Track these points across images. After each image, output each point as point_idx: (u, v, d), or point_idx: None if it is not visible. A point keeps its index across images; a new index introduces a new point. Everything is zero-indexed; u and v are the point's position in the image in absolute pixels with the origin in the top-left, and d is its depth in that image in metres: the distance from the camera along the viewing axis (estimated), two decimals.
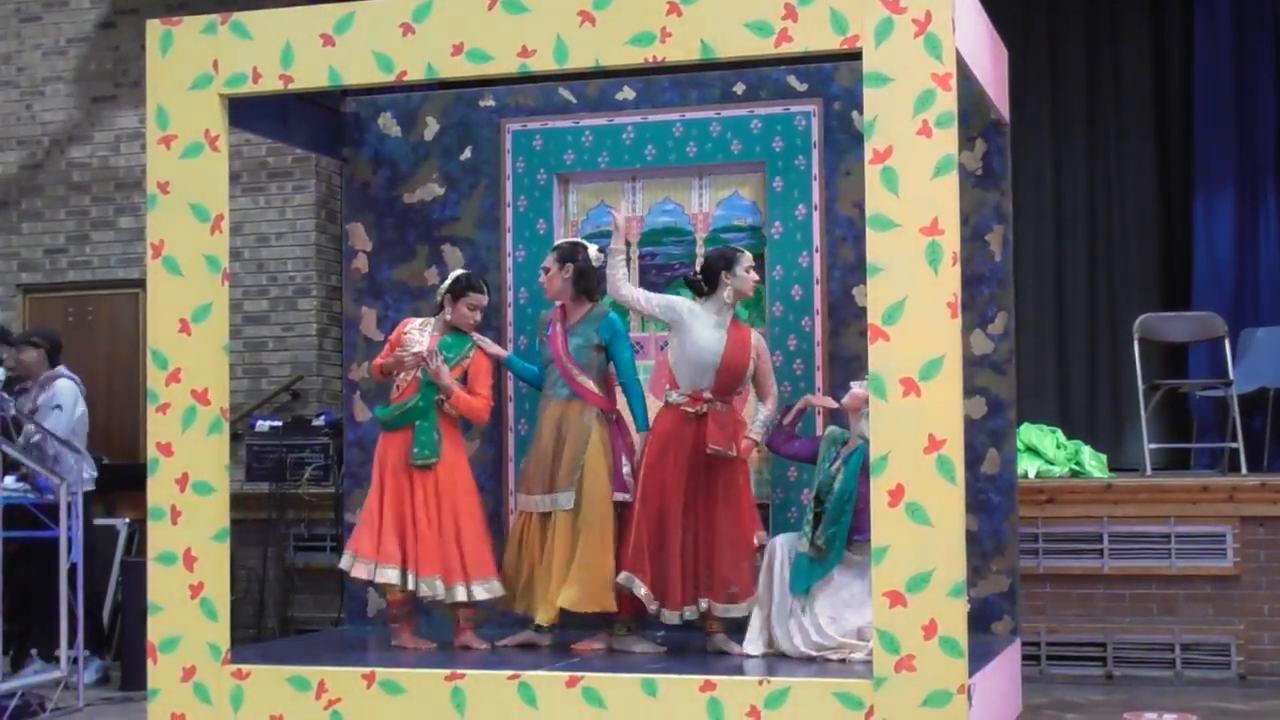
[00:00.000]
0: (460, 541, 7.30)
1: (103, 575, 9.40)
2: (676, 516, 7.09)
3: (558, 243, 7.60)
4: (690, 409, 7.13)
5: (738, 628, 7.17)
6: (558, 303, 7.46)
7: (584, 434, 7.25)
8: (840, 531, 6.91)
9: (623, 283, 7.31)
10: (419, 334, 7.46)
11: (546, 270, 7.43)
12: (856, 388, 7.06)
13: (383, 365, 7.47)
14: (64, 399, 8.91)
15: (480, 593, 7.30)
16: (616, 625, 7.27)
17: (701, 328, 7.16)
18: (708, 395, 7.13)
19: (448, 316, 7.48)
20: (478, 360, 7.47)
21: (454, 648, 7.31)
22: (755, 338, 7.32)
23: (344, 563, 7.40)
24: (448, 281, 7.55)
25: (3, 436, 8.15)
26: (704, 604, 7.11)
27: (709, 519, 7.12)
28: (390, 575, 7.25)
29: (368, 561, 7.29)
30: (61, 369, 9.15)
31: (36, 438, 8.70)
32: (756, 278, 7.30)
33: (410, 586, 7.27)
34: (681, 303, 7.27)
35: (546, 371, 7.43)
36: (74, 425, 8.89)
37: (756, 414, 7.32)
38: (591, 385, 7.30)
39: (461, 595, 7.27)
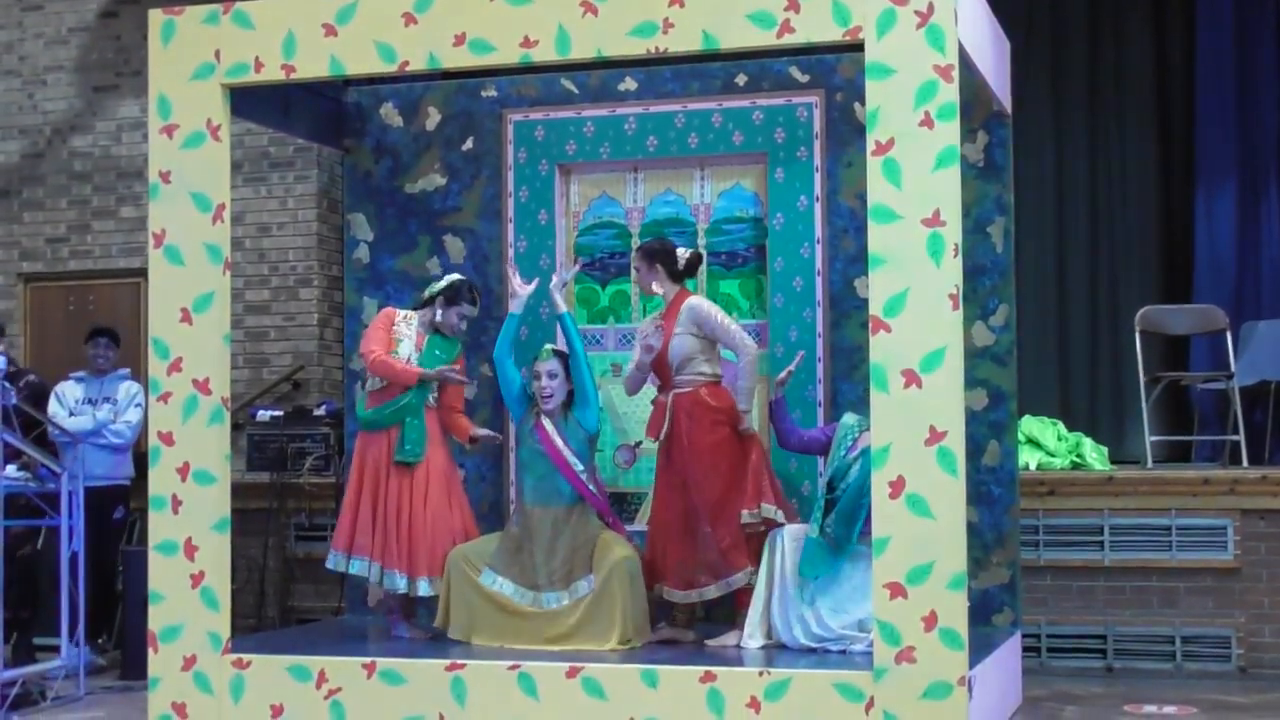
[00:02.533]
0: (430, 536, 7.30)
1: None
2: (658, 509, 7.18)
3: (557, 350, 7.34)
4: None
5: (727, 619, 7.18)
6: (549, 406, 7.29)
7: (593, 536, 7.20)
8: (858, 520, 6.88)
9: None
10: (405, 328, 7.46)
11: (554, 376, 7.23)
12: None
13: (423, 375, 7.29)
14: (142, 398, 9.17)
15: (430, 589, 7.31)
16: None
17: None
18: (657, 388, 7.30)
19: (437, 318, 7.43)
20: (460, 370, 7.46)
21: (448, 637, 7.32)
22: (685, 307, 7.18)
23: (328, 561, 7.47)
24: (443, 284, 7.50)
25: (3, 425, 8.18)
26: (706, 591, 7.08)
27: (687, 506, 7.09)
28: (360, 568, 7.31)
29: (340, 554, 7.35)
30: (127, 369, 9.45)
31: (115, 425, 9.10)
32: (634, 276, 7.33)
33: (376, 579, 7.30)
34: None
35: (530, 468, 7.29)
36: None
37: (739, 384, 7.19)
38: (591, 486, 7.24)
39: (423, 590, 7.29)
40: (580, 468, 7.18)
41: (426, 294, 7.55)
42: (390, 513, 7.28)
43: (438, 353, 7.41)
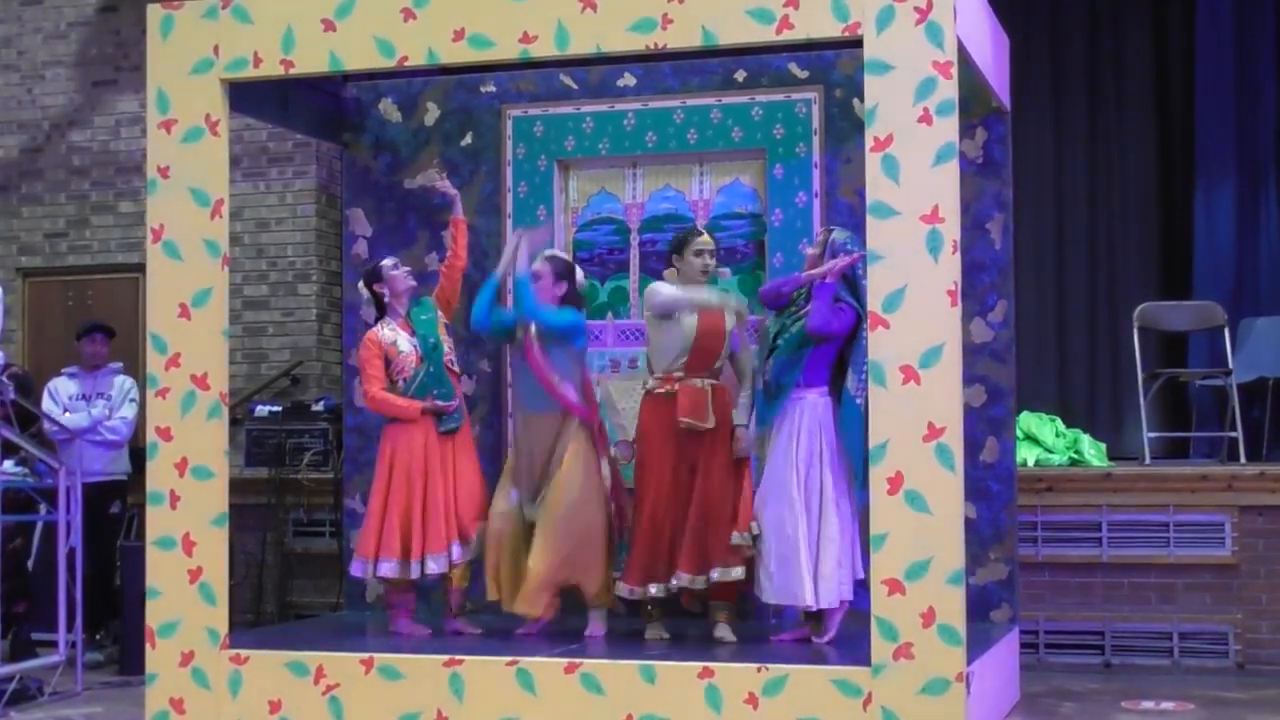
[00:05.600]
0: (456, 500, 7.34)
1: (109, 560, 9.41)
2: (667, 501, 7.05)
3: (554, 255, 7.43)
4: (662, 390, 7.09)
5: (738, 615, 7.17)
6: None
7: (563, 449, 7.22)
8: (796, 368, 6.85)
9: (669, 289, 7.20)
10: (389, 331, 7.43)
11: (538, 276, 7.25)
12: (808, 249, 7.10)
13: (423, 408, 7.34)
14: (136, 393, 9.20)
15: (459, 555, 7.35)
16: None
17: (683, 314, 7.11)
18: (678, 374, 7.08)
19: (387, 299, 7.47)
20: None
21: (447, 634, 7.31)
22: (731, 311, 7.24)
23: (352, 568, 7.45)
24: (361, 282, 7.61)
25: (2, 421, 8.18)
26: (711, 576, 6.98)
27: (701, 495, 7.03)
28: (389, 569, 7.25)
29: (366, 560, 7.31)
30: (120, 363, 9.49)
31: (111, 421, 9.13)
32: (706, 263, 7.16)
33: (414, 575, 7.27)
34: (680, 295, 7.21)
35: (523, 376, 7.33)
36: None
37: (739, 399, 7.21)
38: (573, 395, 7.23)
39: (456, 556, 7.31)
40: (557, 379, 7.19)
41: (366, 297, 7.59)
42: (431, 498, 7.27)
43: (424, 317, 7.47)
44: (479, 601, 7.78)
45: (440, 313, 7.55)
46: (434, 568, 7.26)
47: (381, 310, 7.54)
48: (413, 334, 7.45)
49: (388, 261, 7.59)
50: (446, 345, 7.50)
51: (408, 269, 7.59)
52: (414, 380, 7.37)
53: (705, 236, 7.23)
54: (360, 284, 7.65)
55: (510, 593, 7.22)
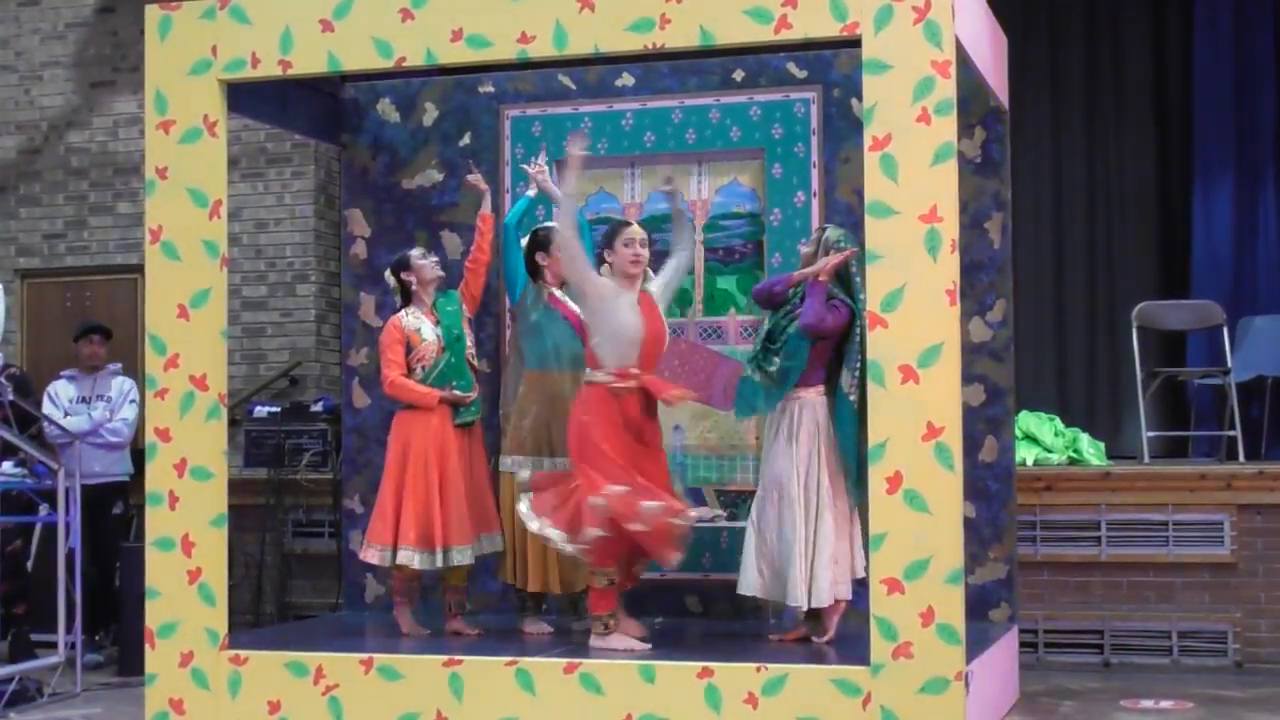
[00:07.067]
0: (483, 498, 7.34)
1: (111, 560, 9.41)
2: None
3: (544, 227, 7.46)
4: (619, 385, 6.83)
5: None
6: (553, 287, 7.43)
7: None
8: (796, 366, 6.80)
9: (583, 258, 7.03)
10: (414, 320, 7.40)
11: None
12: (803, 246, 7.05)
13: (441, 398, 7.30)
14: (136, 394, 9.20)
15: (490, 546, 7.35)
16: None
17: (624, 306, 6.87)
18: (634, 370, 6.86)
19: (414, 287, 7.41)
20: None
21: (446, 634, 7.31)
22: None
23: (366, 554, 7.29)
24: (391, 268, 7.51)
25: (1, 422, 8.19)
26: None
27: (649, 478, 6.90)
28: (409, 558, 7.16)
29: (384, 548, 7.21)
30: (119, 364, 9.49)
31: (112, 423, 9.12)
32: (636, 252, 6.91)
33: (438, 565, 7.19)
34: (608, 282, 6.95)
35: (542, 339, 7.34)
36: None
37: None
38: None
39: (487, 547, 7.32)
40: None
41: (393, 285, 7.50)
42: (450, 490, 7.22)
43: (450, 309, 7.45)
44: (478, 601, 7.80)
45: (465, 306, 7.53)
46: (459, 559, 7.21)
47: (407, 299, 7.49)
48: (437, 323, 7.41)
49: (416, 251, 7.55)
50: (469, 339, 7.49)
51: (435, 259, 7.54)
52: (434, 369, 7.34)
53: (635, 227, 7.05)
54: (387, 273, 7.57)
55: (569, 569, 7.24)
